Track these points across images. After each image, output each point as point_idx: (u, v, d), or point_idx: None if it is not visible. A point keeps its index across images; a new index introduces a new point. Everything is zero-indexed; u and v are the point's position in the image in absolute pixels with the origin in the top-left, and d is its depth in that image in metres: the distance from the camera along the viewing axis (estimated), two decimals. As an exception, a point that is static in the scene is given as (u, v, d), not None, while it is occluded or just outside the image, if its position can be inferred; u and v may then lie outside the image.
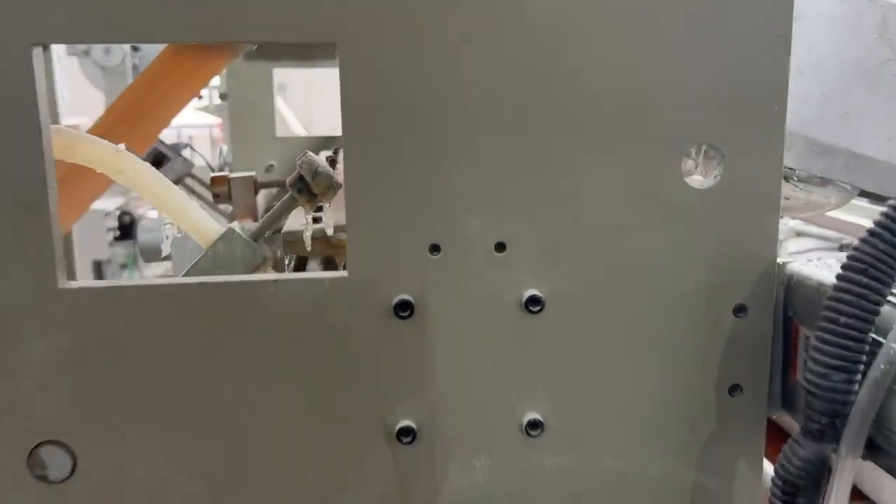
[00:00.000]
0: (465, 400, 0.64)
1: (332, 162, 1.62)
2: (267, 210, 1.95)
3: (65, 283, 0.59)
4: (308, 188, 0.84)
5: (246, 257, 0.85)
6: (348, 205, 0.61)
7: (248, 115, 2.07)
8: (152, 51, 3.88)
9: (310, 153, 0.85)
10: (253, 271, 0.85)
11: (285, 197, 0.85)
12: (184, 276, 0.85)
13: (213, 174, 1.63)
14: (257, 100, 2.07)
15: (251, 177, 1.62)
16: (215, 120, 5.01)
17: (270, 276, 0.62)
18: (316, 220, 0.91)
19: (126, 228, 4.20)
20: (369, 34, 0.58)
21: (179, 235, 0.85)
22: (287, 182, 0.85)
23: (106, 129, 1.19)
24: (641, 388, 0.64)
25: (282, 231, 0.90)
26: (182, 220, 0.82)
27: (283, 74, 2.10)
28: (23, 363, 0.59)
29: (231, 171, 2.11)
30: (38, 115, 0.56)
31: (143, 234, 1.04)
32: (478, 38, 0.59)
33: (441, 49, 0.59)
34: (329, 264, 1.08)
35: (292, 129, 2.54)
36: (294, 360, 0.62)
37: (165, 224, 0.92)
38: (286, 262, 1.01)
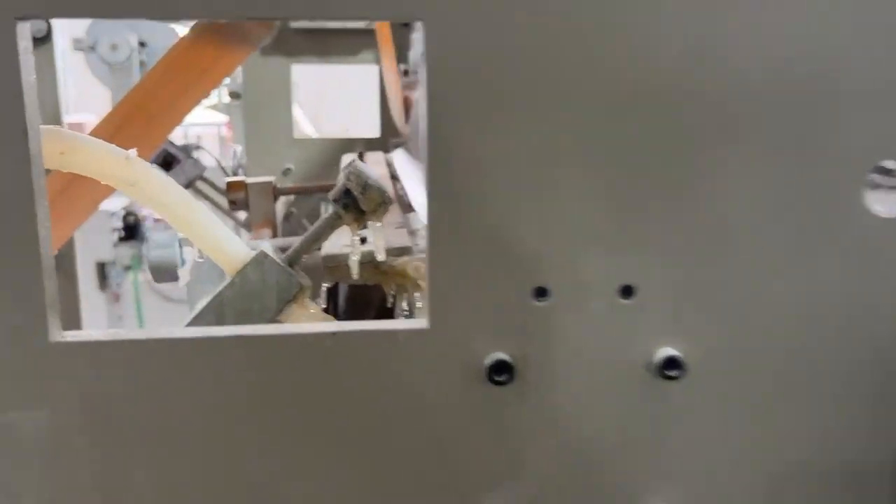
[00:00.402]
0: (577, 488, 0.49)
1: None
2: (286, 218, 1.81)
3: (58, 336, 0.45)
4: (356, 204, 0.70)
5: (281, 286, 0.71)
6: (430, 233, 0.46)
7: (264, 114, 1.93)
8: (160, 48, 3.74)
9: (357, 162, 0.70)
10: (288, 302, 0.71)
11: (328, 214, 0.71)
12: (206, 307, 0.70)
13: (229, 179, 1.48)
14: (274, 98, 1.93)
15: (270, 182, 1.48)
16: (222, 118, 4.87)
17: (327, 325, 0.47)
18: (361, 241, 0.76)
19: (131, 229, 4.08)
20: (462, 12, 0.44)
21: (201, 260, 0.71)
22: (330, 196, 0.71)
23: (114, 127, 1.05)
24: (807, 476, 0.50)
25: (321, 254, 0.76)
26: (205, 241, 0.68)
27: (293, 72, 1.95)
28: (2, 440, 0.45)
29: (245, 173, 1.97)
30: (24, 111, 0.42)
31: (153, 251, 0.91)
32: (593, 18, 0.44)
33: (548, 34, 0.44)
34: (359, 292, 0.92)
35: (303, 130, 2.40)
36: (357, 435, 0.48)
37: (183, 247, 0.78)
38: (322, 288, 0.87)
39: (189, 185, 1.92)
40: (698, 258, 0.47)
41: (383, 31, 1.07)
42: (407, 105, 1.08)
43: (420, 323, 0.47)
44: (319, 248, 0.77)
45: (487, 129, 0.45)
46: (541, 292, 0.47)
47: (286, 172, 1.94)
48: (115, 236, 3.99)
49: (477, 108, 0.45)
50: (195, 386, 0.46)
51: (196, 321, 0.70)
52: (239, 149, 2.03)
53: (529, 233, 0.46)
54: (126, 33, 3.99)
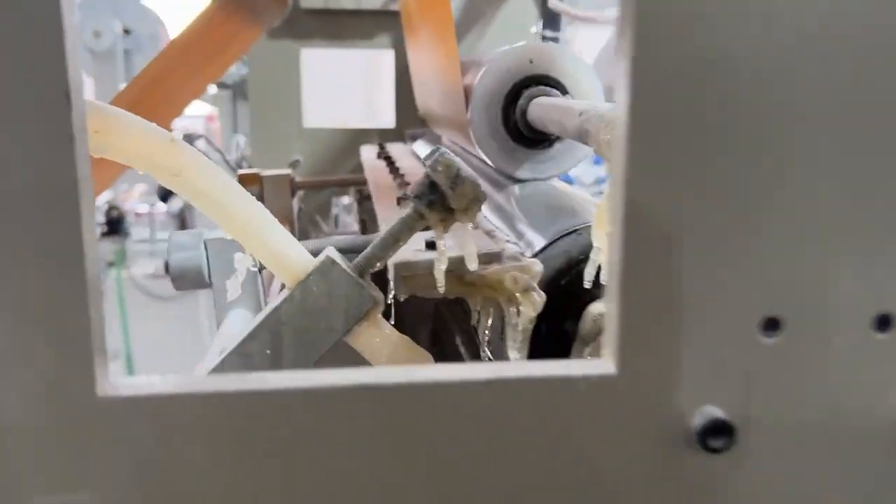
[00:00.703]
0: (809, 589, 0.37)
1: (388, 160, 1.35)
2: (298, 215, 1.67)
3: (109, 388, 0.31)
4: (443, 201, 0.57)
5: (350, 300, 0.58)
6: (622, 246, 0.33)
7: (271, 101, 1.79)
8: (145, 36, 3.56)
9: (444, 149, 0.57)
10: (358, 321, 0.58)
11: (406, 214, 0.58)
12: (259, 326, 0.57)
13: (241, 171, 1.35)
14: (282, 84, 1.79)
15: (288, 175, 1.35)
16: (207, 110, 4.73)
17: (477, 368, 0.34)
18: (429, 246, 0.63)
19: (114, 223, 3.94)
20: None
21: (255, 268, 0.57)
22: (410, 192, 0.58)
23: (127, 107, 0.92)
24: None
25: (391, 261, 0.62)
26: (261, 246, 0.55)
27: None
28: (28, 532, 0.32)
29: (250, 165, 1.83)
30: (65, 64, 0.29)
31: (175, 253, 0.77)
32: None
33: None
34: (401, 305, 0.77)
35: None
36: (516, 521, 0.35)
37: (225, 252, 0.65)
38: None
39: (191, 177, 1.78)
40: (978, 278, 0.35)
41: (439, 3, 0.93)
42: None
43: (603, 366, 0.34)
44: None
45: (704, 113, 0.32)
46: (772, 325, 0.34)
47: (294, 164, 1.80)
48: (97, 231, 3.85)
49: (693, 87, 0.32)
50: (302, 455, 0.33)
51: (247, 343, 0.57)
52: (242, 139, 1.89)
53: (756, 246, 0.34)
54: (110, 20, 3.83)
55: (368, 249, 0.59)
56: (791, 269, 0.34)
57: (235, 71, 3.34)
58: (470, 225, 0.58)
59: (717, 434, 0.34)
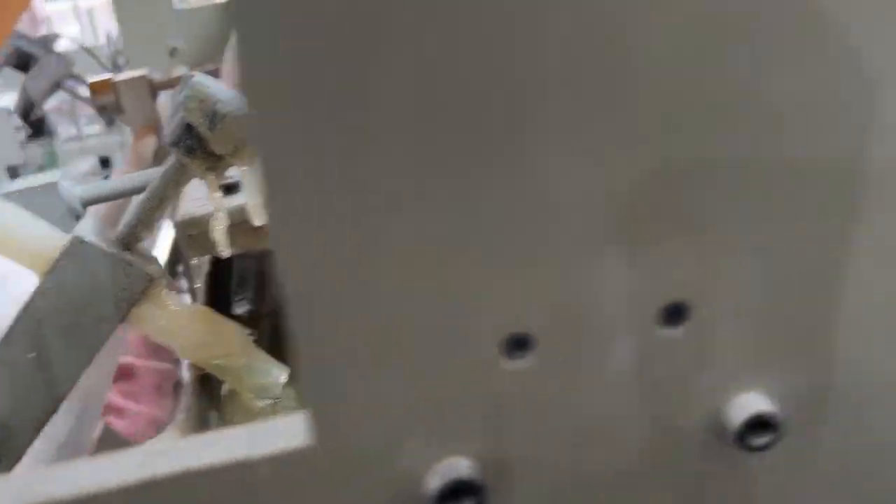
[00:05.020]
0: None
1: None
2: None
3: None
4: (203, 144, 0.45)
5: (117, 281, 0.48)
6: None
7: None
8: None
9: (197, 78, 0.45)
10: (134, 304, 0.48)
11: (168, 164, 0.47)
12: (10, 330, 0.47)
13: (92, 79, 1.20)
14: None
15: (143, 77, 1.20)
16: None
17: (119, 466, 0.25)
18: (228, 189, 0.52)
19: (37, 124, 3.73)
20: None
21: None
22: (168, 139, 0.46)
23: None
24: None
25: (177, 218, 0.51)
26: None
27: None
28: None
29: (128, 60, 1.65)
30: None
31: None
32: None
33: None
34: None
35: None
36: None
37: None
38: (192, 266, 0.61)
39: (56, 86, 1.60)
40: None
41: None
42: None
43: (297, 436, 0.25)
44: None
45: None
46: (518, 344, 0.25)
47: (174, 53, 1.62)
48: (21, 135, 3.65)
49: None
50: None
51: (7, 349, 0.47)
52: (114, 31, 1.70)
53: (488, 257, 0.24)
54: None
55: (128, 215, 0.48)
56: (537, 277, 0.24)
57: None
58: (248, 167, 0.47)
59: (459, 495, 0.25)
